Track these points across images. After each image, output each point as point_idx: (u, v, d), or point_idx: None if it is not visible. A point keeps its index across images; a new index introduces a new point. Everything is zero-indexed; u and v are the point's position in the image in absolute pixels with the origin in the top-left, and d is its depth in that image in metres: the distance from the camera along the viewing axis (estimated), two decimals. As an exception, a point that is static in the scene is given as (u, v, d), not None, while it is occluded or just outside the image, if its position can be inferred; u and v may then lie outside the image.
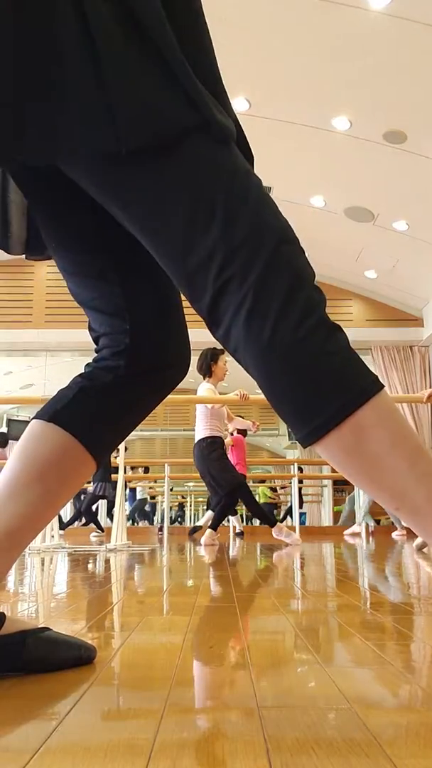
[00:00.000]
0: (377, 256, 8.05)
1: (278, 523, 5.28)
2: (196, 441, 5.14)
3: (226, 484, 5.00)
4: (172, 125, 0.76)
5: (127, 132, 0.74)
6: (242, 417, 7.27)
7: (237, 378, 9.95)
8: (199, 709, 0.73)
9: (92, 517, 8.05)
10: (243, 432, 7.23)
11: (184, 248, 0.76)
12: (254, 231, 0.76)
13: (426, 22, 4.49)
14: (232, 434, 6.77)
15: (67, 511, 11.48)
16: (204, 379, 5.22)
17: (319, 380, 0.73)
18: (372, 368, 0.75)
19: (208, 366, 5.20)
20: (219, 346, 5.37)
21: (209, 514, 7.22)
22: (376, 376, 0.76)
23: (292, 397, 0.75)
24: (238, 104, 5.76)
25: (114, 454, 7.80)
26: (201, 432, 5.13)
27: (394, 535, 7.35)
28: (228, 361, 5.21)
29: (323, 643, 1.09)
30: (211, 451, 5.07)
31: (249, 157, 0.94)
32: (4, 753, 0.59)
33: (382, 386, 0.76)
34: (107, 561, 3.39)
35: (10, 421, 5.23)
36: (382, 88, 5.26)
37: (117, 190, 0.78)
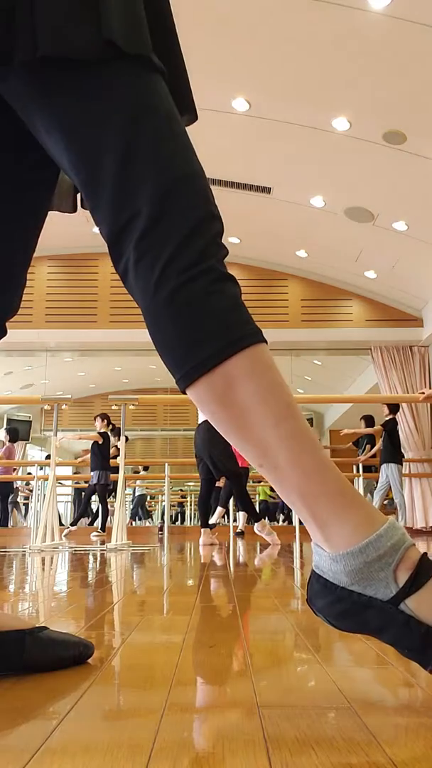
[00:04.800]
0: (377, 256, 8.05)
1: (262, 519, 5.24)
2: (200, 421, 5.16)
3: (225, 469, 4.99)
4: (92, 41, 0.75)
5: (45, 40, 0.73)
6: None
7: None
8: (199, 709, 0.73)
9: (84, 509, 8.08)
10: None
11: (93, 175, 0.76)
12: (161, 174, 0.76)
13: (426, 22, 4.49)
14: None
15: (67, 512, 11.50)
16: None
17: (197, 325, 0.73)
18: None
19: None
20: None
21: (219, 509, 7.22)
22: (259, 330, 0.76)
23: (170, 340, 0.75)
24: (238, 104, 5.76)
25: (113, 453, 7.81)
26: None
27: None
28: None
29: (323, 643, 1.09)
30: (217, 434, 5.06)
31: (187, 107, 0.91)
32: (4, 753, 0.59)
33: (263, 340, 0.76)
34: (107, 560, 3.39)
35: (10, 421, 5.22)
36: (382, 88, 5.26)
37: (42, 104, 0.77)
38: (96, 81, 0.76)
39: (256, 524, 5.20)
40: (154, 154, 0.76)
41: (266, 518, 8.12)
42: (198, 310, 0.73)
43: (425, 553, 0.72)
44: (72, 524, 7.77)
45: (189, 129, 0.87)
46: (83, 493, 8.20)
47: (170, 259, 0.74)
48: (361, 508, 0.72)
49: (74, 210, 1.04)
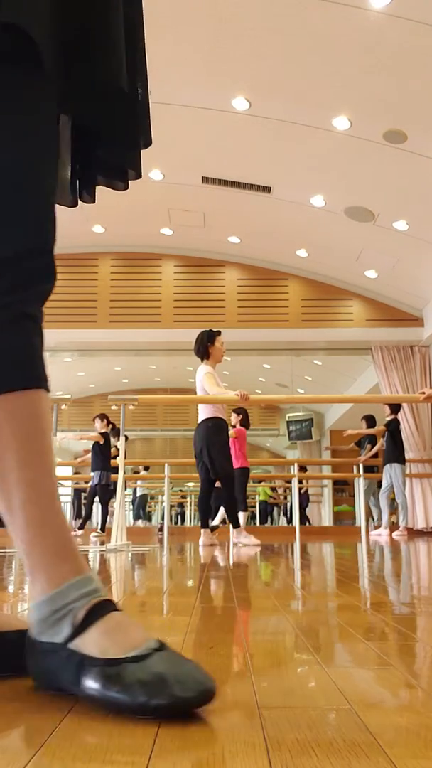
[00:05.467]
0: (378, 255, 8.05)
1: (241, 527, 5.22)
2: (200, 420, 5.15)
3: (220, 469, 4.99)
4: None
5: None
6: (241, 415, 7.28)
7: (237, 378, 9.97)
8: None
9: (89, 511, 8.04)
10: (245, 425, 7.25)
11: None
12: None
13: (426, 22, 4.49)
14: (234, 426, 6.76)
15: (67, 512, 11.49)
16: (202, 361, 5.21)
17: None
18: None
19: (206, 348, 5.19)
20: (214, 329, 5.39)
21: (222, 511, 7.22)
22: (45, 377, 0.80)
23: None
24: (238, 103, 5.76)
25: (114, 453, 7.81)
26: (204, 412, 5.15)
27: (394, 535, 7.36)
28: (229, 360, 5.20)
29: (324, 644, 1.09)
30: (216, 433, 5.06)
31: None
32: (4, 753, 0.59)
33: (46, 388, 0.79)
34: (107, 561, 3.39)
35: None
36: (382, 88, 5.26)
37: None
38: None
39: (234, 531, 5.18)
40: None
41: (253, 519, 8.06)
42: None
43: (107, 600, 0.78)
44: (80, 528, 7.73)
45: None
46: (83, 494, 8.18)
47: None
48: (67, 563, 0.78)
49: (74, 204, 1.03)
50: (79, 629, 0.75)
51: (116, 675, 0.70)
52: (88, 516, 8.11)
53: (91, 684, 0.71)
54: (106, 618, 0.76)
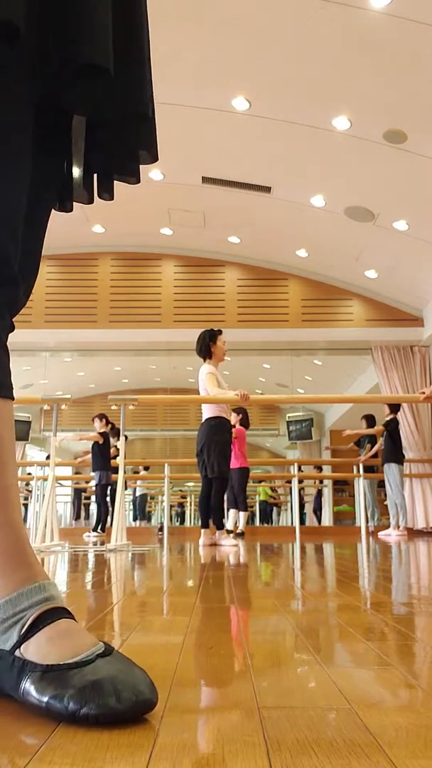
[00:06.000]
0: (378, 255, 8.05)
1: (224, 530, 5.23)
2: (204, 419, 5.17)
3: (216, 470, 5.00)
4: None
5: None
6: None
7: (237, 378, 9.94)
8: (199, 709, 0.73)
9: (105, 510, 7.88)
10: (244, 424, 7.25)
11: None
12: None
13: (426, 22, 4.49)
14: (234, 426, 6.77)
15: (66, 513, 11.49)
16: (204, 361, 5.21)
17: None
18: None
19: (208, 347, 5.20)
20: (216, 327, 5.39)
21: (233, 512, 7.22)
22: (9, 385, 0.82)
23: None
24: (238, 103, 5.76)
25: (113, 453, 7.80)
26: (207, 411, 5.17)
27: (394, 535, 7.36)
28: (229, 360, 5.21)
29: (323, 644, 1.09)
30: (217, 433, 5.07)
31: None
32: (4, 753, 0.59)
33: (9, 397, 0.82)
34: (107, 561, 3.39)
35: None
36: (382, 88, 5.26)
37: None
38: None
39: (217, 532, 5.17)
40: None
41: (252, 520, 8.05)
42: None
43: (58, 607, 0.77)
44: (101, 529, 7.65)
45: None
46: (83, 494, 8.16)
47: None
48: (22, 570, 0.78)
49: (90, 201, 1.02)
50: (25, 636, 0.74)
51: (54, 682, 0.69)
52: (107, 513, 7.93)
53: (28, 690, 0.70)
54: (53, 624, 0.75)
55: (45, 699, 0.68)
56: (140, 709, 0.67)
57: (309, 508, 11.94)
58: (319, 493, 11.48)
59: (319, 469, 10.69)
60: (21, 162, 0.81)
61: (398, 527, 7.38)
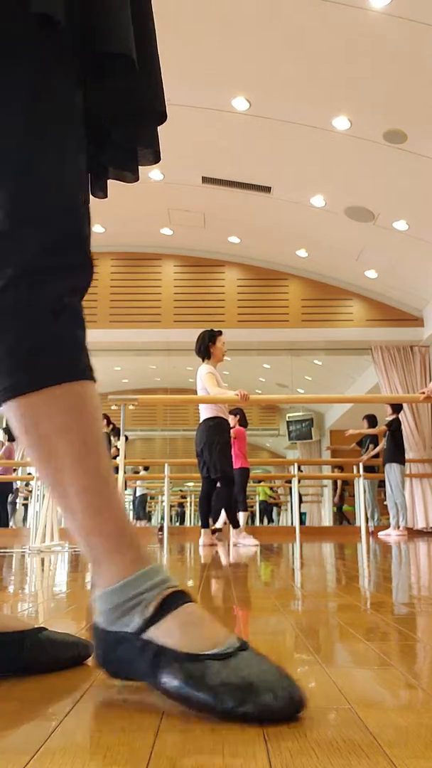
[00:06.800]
0: (378, 255, 8.05)
1: (240, 528, 5.25)
2: (201, 420, 5.16)
3: (220, 471, 4.98)
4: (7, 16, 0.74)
5: None
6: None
7: (237, 378, 9.96)
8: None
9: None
10: (243, 424, 7.25)
11: None
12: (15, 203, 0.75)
13: (426, 22, 4.49)
14: (233, 427, 6.77)
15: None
16: (203, 361, 5.21)
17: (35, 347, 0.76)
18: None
19: (207, 348, 5.20)
20: (215, 329, 5.39)
21: (242, 514, 7.22)
22: (91, 368, 0.80)
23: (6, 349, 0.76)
24: (238, 103, 5.76)
25: (114, 453, 7.80)
26: (206, 412, 5.16)
27: (394, 535, 7.36)
28: (229, 360, 5.20)
29: (324, 644, 1.09)
30: (217, 433, 5.06)
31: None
32: (4, 753, 0.59)
33: (93, 379, 0.80)
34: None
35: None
36: (382, 88, 5.26)
37: None
38: None
39: (233, 531, 5.18)
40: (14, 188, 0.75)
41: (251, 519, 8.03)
42: (35, 330, 0.76)
43: (181, 590, 0.76)
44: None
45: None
46: None
47: (10, 283, 0.75)
48: (131, 551, 0.77)
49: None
50: (152, 619, 0.73)
51: (199, 673, 0.68)
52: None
53: (170, 679, 0.69)
54: (181, 609, 0.74)
55: (194, 692, 0.67)
56: (296, 707, 0.67)
57: (309, 508, 11.94)
58: (343, 491, 11.28)
59: (340, 468, 10.52)
60: (83, 144, 0.81)
61: (398, 527, 7.38)
